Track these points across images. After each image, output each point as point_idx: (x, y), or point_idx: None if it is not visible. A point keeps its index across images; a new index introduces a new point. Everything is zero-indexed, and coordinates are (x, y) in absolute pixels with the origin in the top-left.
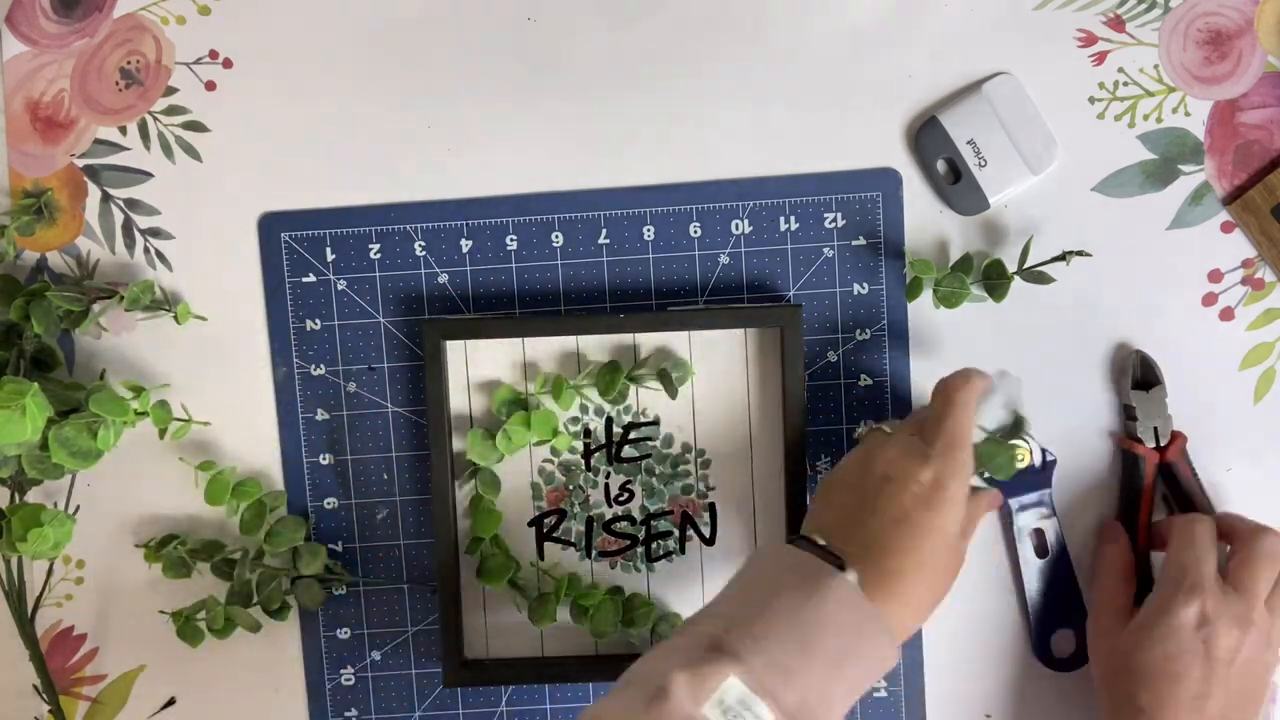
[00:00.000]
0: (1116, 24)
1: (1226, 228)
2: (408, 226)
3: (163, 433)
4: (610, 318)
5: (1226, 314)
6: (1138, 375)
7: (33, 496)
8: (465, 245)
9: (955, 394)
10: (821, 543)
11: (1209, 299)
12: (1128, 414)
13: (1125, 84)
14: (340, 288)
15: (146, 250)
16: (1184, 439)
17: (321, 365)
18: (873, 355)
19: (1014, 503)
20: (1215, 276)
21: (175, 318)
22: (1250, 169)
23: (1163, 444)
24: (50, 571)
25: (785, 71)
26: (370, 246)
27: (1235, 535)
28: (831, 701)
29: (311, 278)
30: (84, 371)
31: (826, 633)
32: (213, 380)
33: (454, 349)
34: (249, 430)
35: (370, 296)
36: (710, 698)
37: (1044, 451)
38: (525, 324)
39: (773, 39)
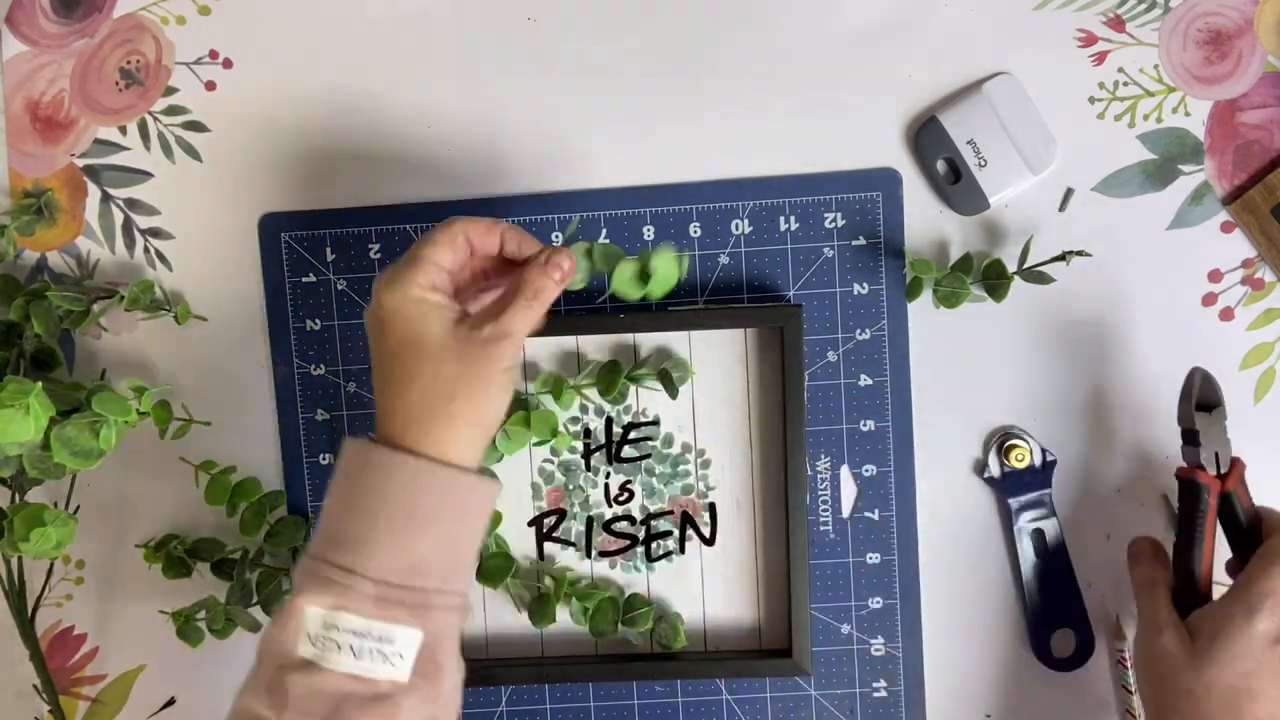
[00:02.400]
0: (1116, 24)
1: (1226, 228)
2: (408, 226)
3: (163, 432)
4: (610, 317)
5: (1226, 314)
6: (1199, 396)
7: (32, 496)
8: None
9: None
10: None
11: (1209, 299)
12: (1187, 439)
13: (1125, 84)
14: (340, 288)
15: (146, 250)
16: (1243, 465)
17: (321, 365)
18: (873, 355)
19: (1014, 502)
20: (1215, 276)
21: (175, 318)
22: (1250, 169)
23: (1223, 471)
24: (50, 571)
25: (785, 71)
26: (370, 246)
27: None
28: (424, 563)
29: (311, 278)
30: (84, 371)
31: (375, 506)
32: (213, 380)
33: None
34: (249, 430)
35: (370, 296)
36: (299, 637)
37: (1044, 451)
38: None
39: (773, 39)
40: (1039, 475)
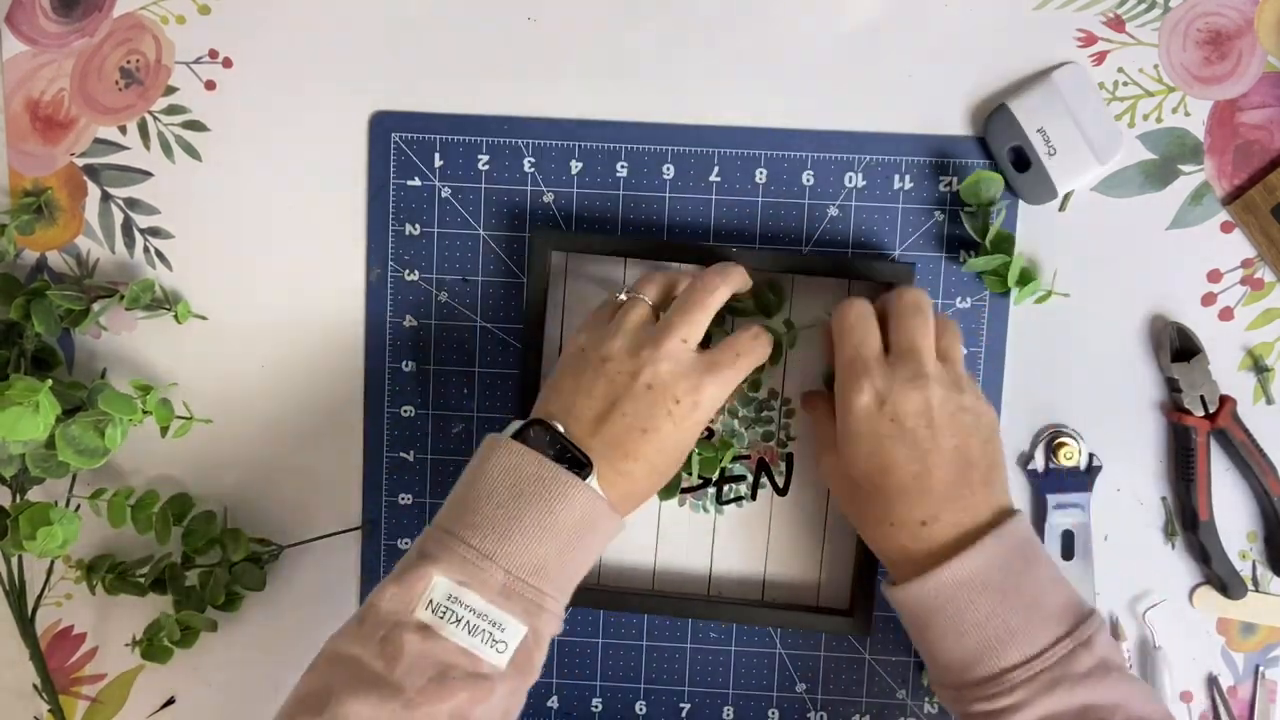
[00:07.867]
0: (1116, 24)
1: (1226, 228)
2: (519, 141)
3: (165, 430)
4: (722, 247)
5: (1226, 314)
6: (1176, 346)
7: (31, 495)
8: (575, 166)
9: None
10: (564, 438)
11: (1209, 299)
12: (1171, 386)
13: (1125, 84)
14: (444, 195)
15: (146, 250)
16: (1233, 402)
17: (416, 271)
18: (971, 323)
19: (1051, 499)
20: (1215, 276)
21: (175, 317)
22: (1250, 169)
23: (1211, 410)
24: (50, 571)
25: (787, 73)
26: (479, 157)
27: (885, 306)
28: (548, 568)
29: (416, 181)
30: (84, 371)
31: (523, 506)
32: (213, 380)
33: (553, 269)
34: (249, 430)
35: (473, 207)
36: (421, 601)
37: (1090, 456)
38: (633, 245)
39: (774, 40)
40: (1081, 478)
